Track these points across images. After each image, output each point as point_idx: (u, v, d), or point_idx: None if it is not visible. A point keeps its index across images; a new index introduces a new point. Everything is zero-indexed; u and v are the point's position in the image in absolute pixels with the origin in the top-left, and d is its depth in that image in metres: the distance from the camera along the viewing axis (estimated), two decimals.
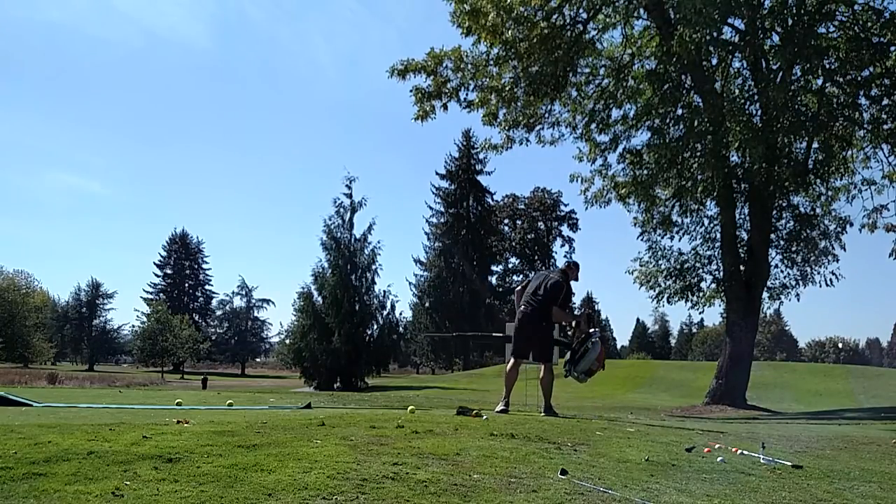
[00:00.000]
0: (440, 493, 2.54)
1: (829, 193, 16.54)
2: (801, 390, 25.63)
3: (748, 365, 15.79)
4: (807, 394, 24.61)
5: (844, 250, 16.28)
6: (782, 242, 16.75)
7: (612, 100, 16.13)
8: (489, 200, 61.39)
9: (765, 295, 16.54)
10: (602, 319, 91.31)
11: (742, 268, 15.89)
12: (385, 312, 30.08)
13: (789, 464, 3.82)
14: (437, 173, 59.41)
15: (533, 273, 7.09)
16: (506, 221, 67.05)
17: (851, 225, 15.98)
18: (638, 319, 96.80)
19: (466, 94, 15.88)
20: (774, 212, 16.17)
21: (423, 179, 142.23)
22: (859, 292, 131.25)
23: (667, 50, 13.89)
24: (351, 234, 29.29)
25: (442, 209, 58.92)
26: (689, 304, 17.40)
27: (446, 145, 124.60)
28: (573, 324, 6.77)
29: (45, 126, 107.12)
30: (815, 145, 15.32)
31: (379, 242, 29.82)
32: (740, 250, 16.14)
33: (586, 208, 17.52)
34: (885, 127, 14.36)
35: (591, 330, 6.67)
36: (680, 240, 17.54)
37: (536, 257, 68.18)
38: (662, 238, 17.45)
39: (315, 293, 28.88)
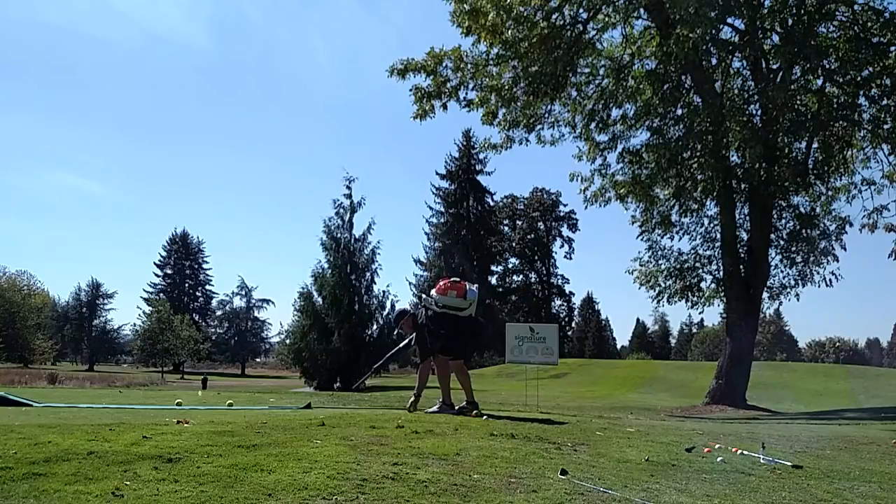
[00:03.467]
0: (440, 493, 2.54)
1: (829, 193, 16.56)
2: (801, 390, 25.64)
3: (748, 365, 15.80)
4: (807, 394, 24.61)
5: (844, 250, 16.31)
6: (782, 242, 16.75)
7: (612, 100, 16.14)
8: (489, 200, 61.39)
9: (765, 295, 16.55)
10: (602, 319, 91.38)
11: (742, 268, 15.90)
12: (385, 312, 30.08)
13: (789, 464, 3.82)
14: (437, 173, 59.43)
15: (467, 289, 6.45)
16: (506, 222, 67.08)
17: (851, 225, 16.02)
18: (638, 319, 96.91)
19: (466, 94, 15.93)
20: (774, 212, 16.18)
21: (423, 180, 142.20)
22: (859, 292, 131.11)
23: (666, 50, 13.90)
24: (350, 235, 29.31)
25: (442, 209, 58.90)
26: (689, 304, 17.43)
27: (446, 145, 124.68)
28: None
29: (45, 126, 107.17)
30: (815, 145, 15.33)
31: (378, 242, 29.86)
32: (740, 250, 16.14)
33: (585, 207, 17.58)
34: (885, 127, 14.37)
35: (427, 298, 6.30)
36: (680, 240, 17.59)
37: (536, 257, 68.27)
38: (662, 238, 17.49)
39: (315, 293, 28.88)
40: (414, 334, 6.50)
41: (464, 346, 6.40)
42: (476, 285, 6.22)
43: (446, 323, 6.15)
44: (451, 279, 6.29)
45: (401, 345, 7.02)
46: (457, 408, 6.25)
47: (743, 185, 16.13)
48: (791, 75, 14.53)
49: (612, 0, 15.19)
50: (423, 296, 6.39)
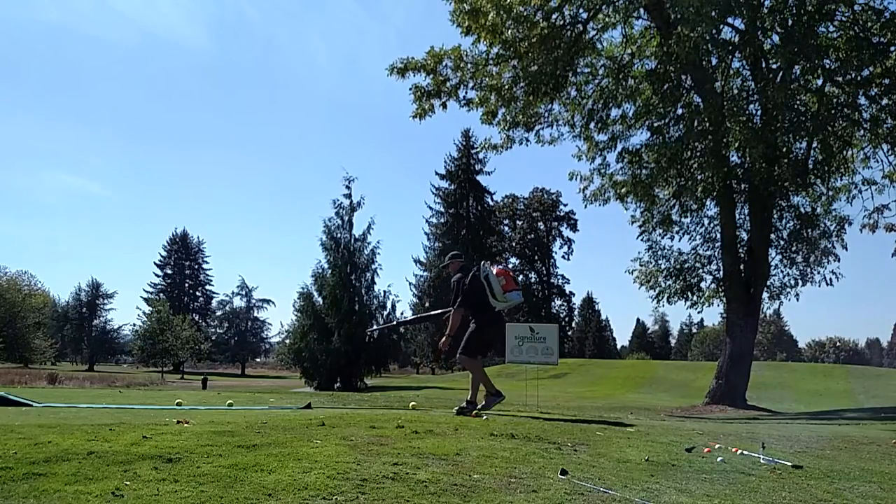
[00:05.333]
0: (440, 493, 2.54)
1: (830, 193, 16.54)
2: (801, 390, 25.64)
3: (748, 365, 15.78)
4: (807, 394, 24.61)
5: (846, 249, 16.29)
6: (782, 242, 16.74)
7: (612, 99, 16.12)
8: (489, 200, 61.43)
9: (765, 295, 16.53)
10: (602, 319, 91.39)
11: (742, 268, 15.88)
12: (385, 312, 30.09)
13: (789, 464, 3.82)
14: (436, 173, 59.49)
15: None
16: (506, 222, 67.10)
17: (851, 224, 16.01)
18: (638, 319, 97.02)
19: (466, 93, 15.90)
20: (774, 212, 16.16)
21: (423, 180, 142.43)
22: (859, 292, 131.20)
23: (667, 50, 13.90)
24: (350, 235, 29.31)
25: (442, 209, 58.93)
26: (689, 304, 17.39)
27: (446, 146, 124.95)
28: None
29: (45, 126, 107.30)
30: (815, 145, 15.32)
31: (378, 242, 29.87)
32: (740, 250, 16.12)
33: (585, 206, 17.55)
34: (885, 126, 14.37)
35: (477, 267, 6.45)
36: (680, 240, 17.55)
37: (536, 257, 68.24)
38: (662, 238, 17.45)
39: (315, 293, 28.89)
40: (437, 312, 6.67)
41: (487, 342, 6.49)
42: (520, 298, 6.42)
43: (481, 304, 6.22)
44: (512, 274, 6.46)
45: (431, 313, 7.20)
46: (457, 408, 6.27)
47: (743, 185, 16.11)
48: (791, 75, 14.52)
49: (612, 0, 15.18)
50: (484, 262, 6.52)
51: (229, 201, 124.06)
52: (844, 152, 15.37)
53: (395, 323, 8.60)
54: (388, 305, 30.18)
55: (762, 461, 3.87)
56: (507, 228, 67.00)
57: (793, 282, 16.76)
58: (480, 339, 6.34)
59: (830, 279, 16.22)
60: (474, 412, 5.98)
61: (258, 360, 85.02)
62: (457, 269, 6.54)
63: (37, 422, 4.22)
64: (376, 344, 29.35)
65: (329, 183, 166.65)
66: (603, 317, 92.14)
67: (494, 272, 6.25)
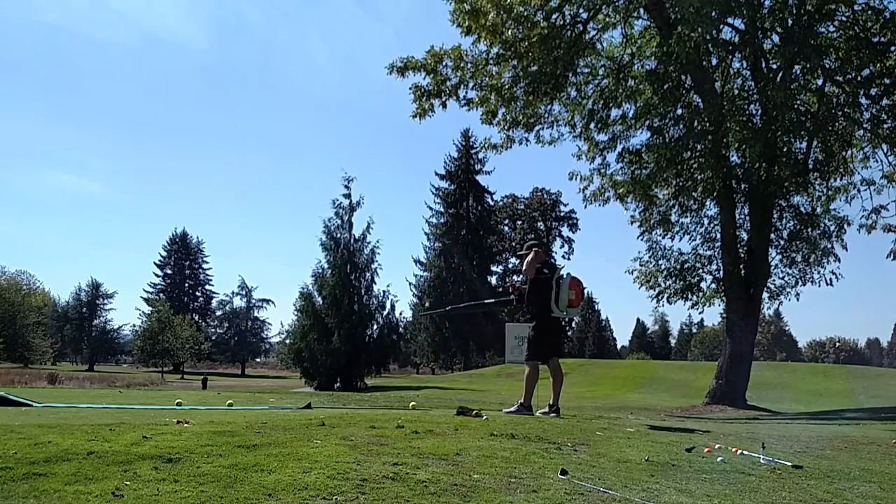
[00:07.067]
0: (440, 493, 2.54)
1: (829, 193, 16.53)
2: (801, 390, 25.63)
3: (748, 365, 15.77)
4: (807, 394, 24.60)
5: (846, 250, 16.28)
6: (782, 242, 16.73)
7: (612, 99, 16.11)
8: (489, 200, 61.39)
9: (765, 295, 16.52)
10: (602, 319, 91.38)
11: (742, 268, 15.88)
12: (385, 312, 30.06)
13: (789, 464, 3.82)
14: (436, 173, 59.43)
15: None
16: (506, 222, 67.03)
17: (850, 225, 16.00)
18: (638, 319, 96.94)
19: (466, 93, 15.88)
20: (774, 212, 16.16)
21: (423, 180, 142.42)
22: (859, 292, 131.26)
23: (667, 50, 13.89)
24: (350, 234, 29.27)
25: (441, 209, 58.89)
26: (689, 304, 17.38)
27: (446, 146, 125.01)
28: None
29: (44, 126, 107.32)
30: (815, 145, 15.32)
31: (378, 242, 29.80)
32: (740, 250, 16.12)
33: (585, 206, 17.52)
34: (885, 126, 14.36)
35: (558, 268, 6.77)
36: (680, 240, 17.52)
37: None
38: (662, 238, 17.44)
39: (315, 293, 28.86)
40: (515, 296, 6.96)
41: (550, 347, 6.68)
42: (576, 314, 6.71)
43: (546, 306, 6.41)
44: (584, 289, 6.63)
45: (485, 302, 7.76)
46: (539, 412, 6.44)
47: (743, 185, 16.11)
48: (791, 75, 14.51)
49: (612, 0, 15.17)
50: (562, 269, 6.75)
51: (229, 201, 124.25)
52: (844, 152, 15.36)
53: (447, 308, 9.12)
54: (388, 305, 30.19)
55: (762, 461, 3.87)
56: (506, 228, 66.91)
57: (793, 282, 16.76)
58: (542, 344, 6.60)
59: (830, 279, 16.22)
60: (474, 412, 5.98)
61: (258, 360, 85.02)
62: (539, 261, 6.76)
63: (37, 422, 4.22)
64: (376, 344, 29.35)
65: (329, 183, 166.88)
66: (603, 317, 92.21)
67: (568, 283, 6.41)
